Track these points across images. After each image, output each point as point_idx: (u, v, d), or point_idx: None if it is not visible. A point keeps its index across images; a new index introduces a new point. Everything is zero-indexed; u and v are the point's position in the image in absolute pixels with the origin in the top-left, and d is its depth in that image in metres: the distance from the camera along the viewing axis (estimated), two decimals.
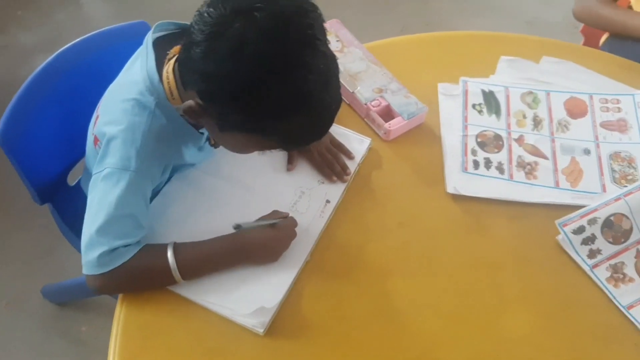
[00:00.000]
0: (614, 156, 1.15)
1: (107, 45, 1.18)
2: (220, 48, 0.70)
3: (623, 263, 1.02)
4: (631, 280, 1.00)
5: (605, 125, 1.19)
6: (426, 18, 2.57)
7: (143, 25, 1.18)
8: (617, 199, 1.04)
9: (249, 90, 0.71)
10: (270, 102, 0.72)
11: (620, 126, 1.19)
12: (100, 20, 2.51)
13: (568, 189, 1.10)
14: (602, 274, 1.00)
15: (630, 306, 0.97)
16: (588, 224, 1.03)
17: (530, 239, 1.05)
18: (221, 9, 0.71)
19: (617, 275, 1.00)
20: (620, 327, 0.96)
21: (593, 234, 1.02)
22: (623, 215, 1.04)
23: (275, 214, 0.96)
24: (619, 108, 1.22)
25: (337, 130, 1.12)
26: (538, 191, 1.09)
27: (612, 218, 1.04)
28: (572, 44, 1.42)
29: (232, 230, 0.91)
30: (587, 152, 1.15)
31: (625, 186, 1.09)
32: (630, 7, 1.46)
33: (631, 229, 1.03)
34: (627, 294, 0.98)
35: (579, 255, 1.01)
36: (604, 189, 1.10)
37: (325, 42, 0.75)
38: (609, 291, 0.98)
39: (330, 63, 0.75)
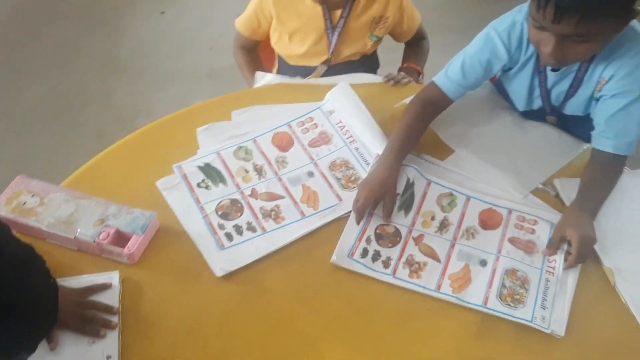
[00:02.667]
0: (333, 166, 1.26)
1: None
2: None
3: (411, 255, 1.12)
4: (425, 264, 1.11)
5: (313, 143, 1.30)
6: (115, 114, 2.49)
7: None
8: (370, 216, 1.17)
9: None
10: None
11: (324, 139, 1.31)
12: None
13: (313, 214, 1.17)
14: (403, 274, 1.09)
15: (438, 286, 1.07)
16: (366, 243, 1.12)
17: (309, 275, 1.09)
18: None
19: (414, 267, 1.10)
20: (411, 299, 1.06)
21: (376, 250, 1.12)
22: (383, 225, 1.16)
23: None
24: (315, 124, 1.34)
25: (80, 281, 1.03)
26: (291, 229, 1.15)
27: (378, 231, 1.15)
28: (252, 90, 1.52)
29: None
30: (310, 174, 1.24)
31: (354, 188, 1.20)
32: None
33: (396, 229, 1.16)
34: (430, 278, 1.09)
35: (377, 272, 1.09)
36: (339, 198, 1.20)
37: (8, 238, 0.68)
38: (416, 285, 1.07)
39: (23, 256, 0.68)
